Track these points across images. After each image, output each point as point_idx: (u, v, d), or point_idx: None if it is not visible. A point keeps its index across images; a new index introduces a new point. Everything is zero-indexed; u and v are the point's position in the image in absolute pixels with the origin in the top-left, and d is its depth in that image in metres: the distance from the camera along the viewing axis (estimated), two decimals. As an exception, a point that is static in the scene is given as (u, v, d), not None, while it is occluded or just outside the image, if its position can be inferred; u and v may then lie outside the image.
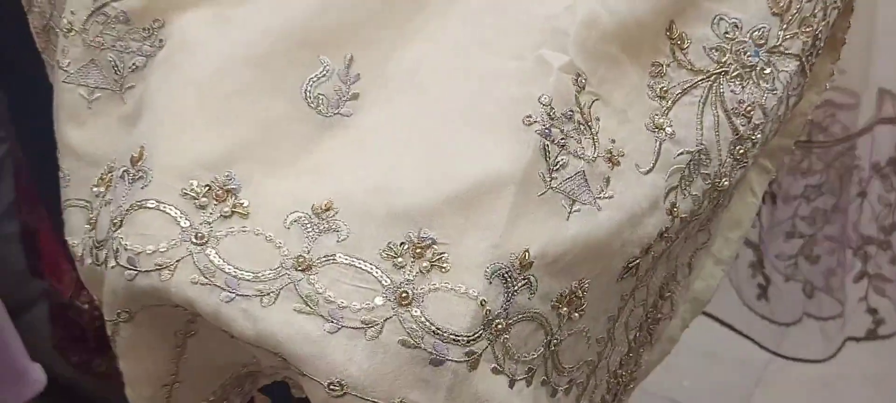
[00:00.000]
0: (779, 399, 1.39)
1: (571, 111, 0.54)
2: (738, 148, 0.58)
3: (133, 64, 0.60)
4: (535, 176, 0.52)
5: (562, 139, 0.53)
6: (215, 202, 0.53)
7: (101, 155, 0.60)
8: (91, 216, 0.59)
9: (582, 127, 0.54)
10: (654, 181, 0.56)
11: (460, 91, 0.55)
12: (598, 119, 0.55)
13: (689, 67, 0.58)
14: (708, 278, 0.72)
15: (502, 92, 0.54)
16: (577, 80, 0.55)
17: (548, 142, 0.53)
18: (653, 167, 0.57)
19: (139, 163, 0.54)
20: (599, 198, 0.54)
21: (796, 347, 1.14)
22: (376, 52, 0.57)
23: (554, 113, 0.53)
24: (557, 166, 0.53)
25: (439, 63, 0.56)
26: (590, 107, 0.55)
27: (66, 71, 0.61)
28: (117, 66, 0.60)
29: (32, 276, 1.17)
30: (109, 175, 0.59)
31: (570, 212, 0.53)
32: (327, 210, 0.52)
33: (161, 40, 0.59)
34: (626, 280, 0.58)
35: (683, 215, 0.57)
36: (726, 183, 0.59)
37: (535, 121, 0.53)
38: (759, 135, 0.59)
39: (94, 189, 0.59)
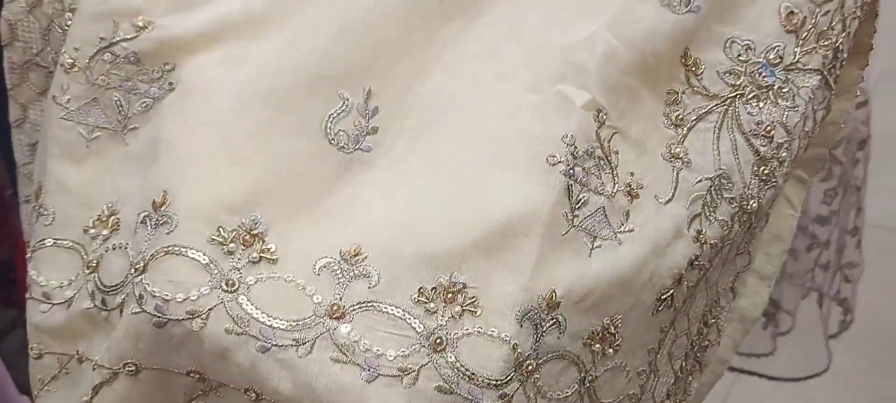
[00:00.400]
0: (756, 396, 1.42)
1: (592, 147, 0.54)
2: (762, 168, 0.58)
3: (140, 105, 0.58)
4: (559, 216, 0.52)
5: (583, 177, 0.53)
6: (243, 247, 0.52)
7: (98, 196, 0.58)
8: (88, 258, 0.57)
9: (602, 162, 0.54)
10: (675, 210, 0.56)
11: (480, 126, 0.54)
12: (617, 152, 0.55)
13: (704, 93, 0.58)
14: (752, 295, 0.71)
15: (524, 128, 0.53)
16: (597, 116, 0.54)
17: (571, 182, 0.53)
18: (672, 197, 0.56)
19: (163, 208, 0.53)
20: (619, 232, 0.54)
21: (779, 365, 1.16)
22: (393, 84, 0.56)
23: (577, 151, 0.53)
24: (579, 204, 0.53)
25: (457, 94, 0.56)
26: (609, 141, 0.55)
27: (65, 108, 0.59)
28: (122, 107, 0.58)
29: (7, 307, 1.14)
30: (112, 217, 0.57)
31: (591, 249, 0.53)
32: (356, 255, 0.52)
33: (171, 83, 0.57)
34: (663, 312, 0.57)
35: (712, 241, 0.57)
36: (755, 205, 0.58)
37: (560, 162, 0.52)
38: (784, 154, 0.58)
39: (91, 231, 0.58)
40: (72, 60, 0.59)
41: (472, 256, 0.51)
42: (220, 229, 0.52)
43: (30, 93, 0.66)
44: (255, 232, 0.53)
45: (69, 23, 0.61)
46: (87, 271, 0.57)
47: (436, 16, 0.56)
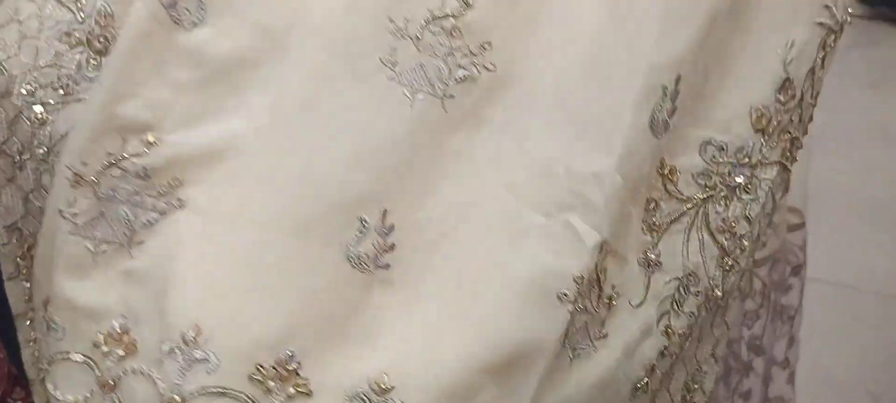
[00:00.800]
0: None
1: (592, 276, 0.56)
2: (725, 260, 0.60)
3: (147, 220, 0.58)
4: (558, 344, 0.55)
5: (582, 304, 0.55)
6: (280, 383, 0.53)
7: (103, 308, 0.58)
8: (102, 376, 0.57)
9: (593, 283, 0.56)
10: (646, 311, 0.59)
11: (491, 243, 0.56)
12: (606, 270, 0.57)
13: (679, 197, 0.60)
14: None
15: (536, 257, 0.55)
16: (601, 249, 0.56)
17: (574, 315, 0.55)
18: (644, 300, 0.59)
19: (199, 343, 0.53)
20: (596, 340, 0.57)
21: None
22: (407, 201, 0.57)
23: (583, 287, 0.55)
24: (572, 326, 0.55)
25: (467, 206, 0.57)
26: (603, 262, 0.57)
27: (72, 222, 0.58)
28: (130, 221, 0.58)
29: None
30: (126, 336, 0.56)
31: (571, 359, 0.56)
32: (383, 386, 0.54)
33: (180, 199, 0.57)
34: (639, 396, 0.60)
35: (680, 331, 0.60)
36: (719, 292, 0.61)
37: (569, 300, 0.54)
38: (746, 242, 0.61)
39: (103, 347, 0.57)
40: (79, 174, 0.58)
41: (484, 386, 0.54)
42: (259, 368, 0.53)
43: (0, 178, 0.64)
44: (290, 367, 0.54)
45: (40, 115, 0.61)
46: (102, 390, 0.57)
47: (442, 127, 0.57)
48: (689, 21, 0.57)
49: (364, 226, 0.56)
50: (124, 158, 0.57)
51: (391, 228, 0.56)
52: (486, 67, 0.57)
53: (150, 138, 0.57)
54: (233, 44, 0.58)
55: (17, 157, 0.62)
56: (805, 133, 0.65)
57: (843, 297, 1.59)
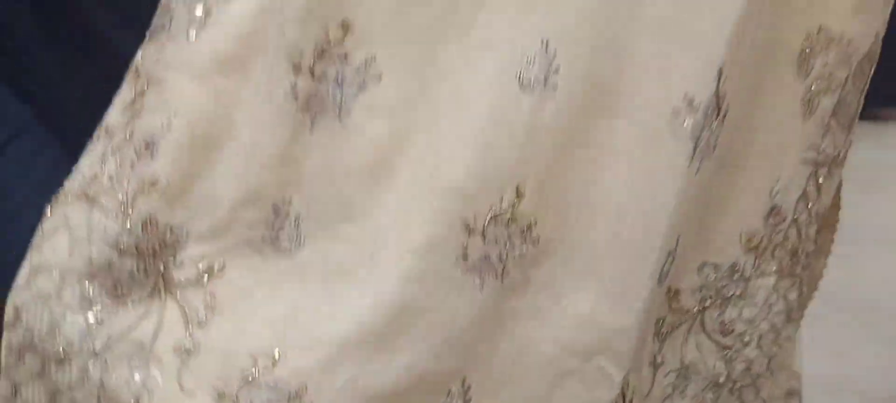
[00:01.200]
0: None
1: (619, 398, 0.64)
2: (725, 353, 0.68)
3: None
4: None
5: None
6: None
7: None
8: None
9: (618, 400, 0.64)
10: (653, 395, 0.67)
11: (541, 386, 0.64)
12: (628, 385, 0.64)
13: (679, 310, 0.67)
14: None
15: (576, 395, 0.64)
16: (625, 377, 0.64)
17: None
18: (650, 390, 0.67)
19: None
20: None
21: None
22: (478, 364, 0.63)
23: None
24: None
25: (520, 356, 0.64)
26: (626, 383, 0.64)
27: None
28: None
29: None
30: None
31: None
32: None
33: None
34: None
35: None
36: (723, 379, 0.68)
37: None
38: (748, 337, 0.67)
39: None
40: (221, 392, 0.63)
41: None
42: None
43: (25, 374, 0.67)
44: None
45: (97, 317, 0.64)
46: None
47: (500, 297, 0.63)
48: (695, 191, 0.63)
49: (450, 394, 0.63)
50: (255, 375, 0.63)
51: (469, 388, 0.64)
52: (533, 242, 0.63)
53: (275, 355, 0.63)
54: (329, 258, 0.63)
55: (61, 352, 0.65)
56: (830, 227, 0.70)
57: (828, 399, 1.58)
